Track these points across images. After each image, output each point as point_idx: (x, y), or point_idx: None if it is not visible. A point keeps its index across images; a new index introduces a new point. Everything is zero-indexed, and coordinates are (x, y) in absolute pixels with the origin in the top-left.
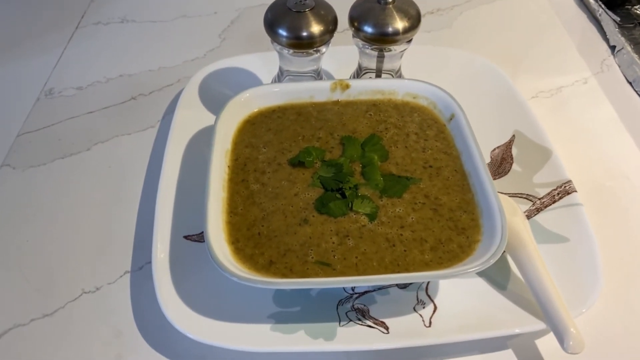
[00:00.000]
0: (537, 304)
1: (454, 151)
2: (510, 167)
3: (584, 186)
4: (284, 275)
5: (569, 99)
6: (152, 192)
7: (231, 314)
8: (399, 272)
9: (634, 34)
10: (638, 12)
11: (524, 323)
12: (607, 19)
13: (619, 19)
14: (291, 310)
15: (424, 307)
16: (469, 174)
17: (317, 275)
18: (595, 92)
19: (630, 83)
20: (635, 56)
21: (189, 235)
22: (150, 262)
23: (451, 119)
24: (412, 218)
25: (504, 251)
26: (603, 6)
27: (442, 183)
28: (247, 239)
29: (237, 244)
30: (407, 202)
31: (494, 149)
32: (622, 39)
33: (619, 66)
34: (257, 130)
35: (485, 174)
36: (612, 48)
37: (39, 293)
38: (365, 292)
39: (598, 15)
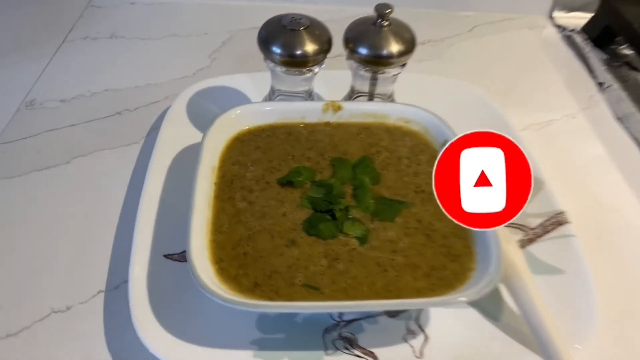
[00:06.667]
0: (532, 336)
1: None
2: None
3: (575, 218)
4: (270, 298)
5: (559, 132)
6: (132, 208)
7: (212, 339)
8: (390, 298)
9: (621, 72)
10: (624, 52)
11: (519, 356)
12: (594, 57)
13: (605, 57)
14: (275, 337)
15: (414, 337)
16: None
17: (304, 298)
18: (584, 127)
19: (619, 119)
20: (623, 93)
21: (169, 254)
22: (126, 282)
23: (444, 145)
24: (405, 243)
25: None
26: (590, 44)
27: (435, 208)
28: (231, 258)
29: (221, 264)
30: (399, 226)
31: None
32: (610, 75)
33: (607, 102)
34: (246, 147)
35: None
36: (600, 85)
37: (3, 310)
38: (353, 320)
39: (585, 53)
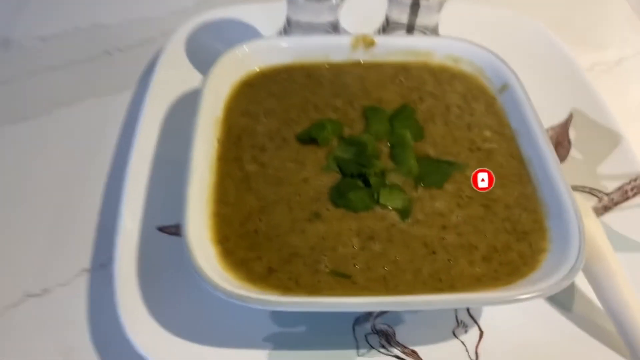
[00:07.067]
0: (620, 336)
1: (508, 130)
2: (568, 153)
3: None
4: (288, 289)
5: (631, 72)
6: (122, 169)
7: (216, 335)
8: (441, 289)
9: None
10: None
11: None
12: None
13: None
14: (294, 331)
15: (466, 332)
16: (529, 161)
17: (332, 291)
18: None
19: None
20: None
21: (164, 227)
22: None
23: (503, 90)
24: (458, 216)
25: None
26: None
27: (495, 171)
28: (239, 237)
29: (226, 244)
30: (450, 195)
31: (547, 130)
32: None
33: None
34: (257, 94)
35: (553, 163)
36: None
37: None
38: None
39: None
